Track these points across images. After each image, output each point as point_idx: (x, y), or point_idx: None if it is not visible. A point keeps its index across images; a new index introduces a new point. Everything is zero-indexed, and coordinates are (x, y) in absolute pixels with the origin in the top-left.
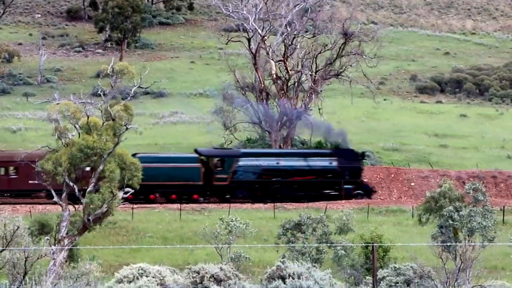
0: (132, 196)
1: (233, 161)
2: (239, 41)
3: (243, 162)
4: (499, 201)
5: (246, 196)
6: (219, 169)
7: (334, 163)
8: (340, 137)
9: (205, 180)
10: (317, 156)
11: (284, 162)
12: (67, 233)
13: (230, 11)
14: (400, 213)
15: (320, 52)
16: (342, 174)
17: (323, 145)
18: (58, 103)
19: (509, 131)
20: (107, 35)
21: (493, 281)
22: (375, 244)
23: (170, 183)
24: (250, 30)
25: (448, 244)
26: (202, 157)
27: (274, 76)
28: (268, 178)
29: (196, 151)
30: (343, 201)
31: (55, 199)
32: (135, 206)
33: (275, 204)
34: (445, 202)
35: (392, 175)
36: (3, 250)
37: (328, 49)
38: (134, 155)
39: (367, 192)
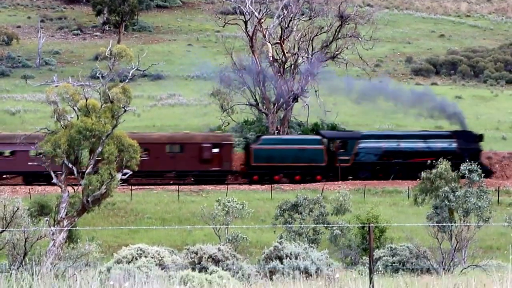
0: (257, 177)
1: (355, 143)
2: (236, 24)
3: (364, 144)
4: (494, 181)
5: (368, 177)
6: (341, 150)
7: (454, 145)
8: (457, 118)
9: (328, 161)
10: (437, 138)
11: (404, 144)
12: (66, 214)
13: None
14: (396, 193)
15: (316, 35)
16: (462, 156)
17: (320, 127)
18: (56, 86)
19: (503, 112)
20: (105, 18)
21: (489, 260)
22: (372, 225)
23: (294, 164)
24: (247, 13)
25: (444, 224)
26: (325, 139)
27: (271, 58)
28: (389, 160)
29: (319, 133)
30: (340, 181)
31: (54, 180)
32: (133, 187)
33: (272, 185)
34: (441, 183)
35: None
36: (3, 231)
37: (324, 32)
38: (259, 136)
39: (486, 173)
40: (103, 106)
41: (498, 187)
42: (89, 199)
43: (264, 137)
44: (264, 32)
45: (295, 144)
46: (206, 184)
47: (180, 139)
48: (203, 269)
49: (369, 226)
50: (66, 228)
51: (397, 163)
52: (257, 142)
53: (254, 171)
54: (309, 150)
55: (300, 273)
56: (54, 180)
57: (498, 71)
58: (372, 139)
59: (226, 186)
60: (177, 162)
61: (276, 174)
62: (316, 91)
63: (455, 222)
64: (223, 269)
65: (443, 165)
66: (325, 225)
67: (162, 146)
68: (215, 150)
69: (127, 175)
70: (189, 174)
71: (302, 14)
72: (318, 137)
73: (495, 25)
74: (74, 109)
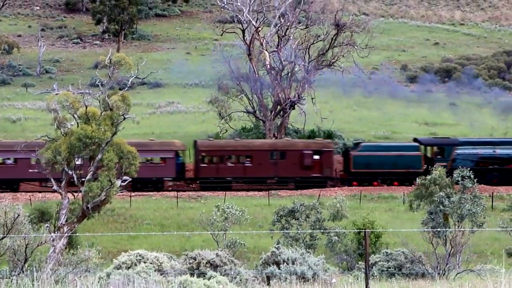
0: (356, 183)
1: (452, 149)
2: (234, 32)
3: (461, 150)
4: (487, 187)
5: None
6: (439, 157)
7: None
8: None
9: (426, 167)
10: None
11: (500, 151)
12: (66, 221)
13: (225, 2)
14: (391, 199)
15: (312, 43)
16: None
17: (316, 134)
18: (57, 94)
19: (497, 119)
20: (104, 27)
21: (483, 265)
22: (367, 230)
23: (392, 170)
24: (244, 22)
25: (439, 229)
26: (422, 146)
27: (268, 66)
28: (485, 166)
29: (416, 139)
30: (336, 188)
31: (54, 187)
32: (132, 194)
33: (269, 191)
34: (435, 189)
35: None
36: (4, 237)
37: (320, 40)
38: (358, 143)
39: None
40: (102, 114)
41: (492, 193)
42: (89, 205)
43: (363, 144)
44: (262, 40)
45: (394, 151)
46: (307, 189)
47: (282, 146)
48: (202, 275)
49: (365, 232)
50: (66, 234)
51: (493, 169)
52: (357, 149)
53: (354, 177)
54: (407, 156)
55: (297, 278)
56: (55, 187)
57: (491, 78)
58: (469, 146)
59: (224, 192)
60: (279, 169)
61: (374, 180)
62: (312, 98)
63: (449, 228)
64: (221, 274)
65: (438, 171)
66: (322, 231)
67: (265, 153)
68: (316, 157)
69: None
70: (290, 180)
71: (299, 23)
72: (415, 143)
73: (488, 33)
74: (74, 116)
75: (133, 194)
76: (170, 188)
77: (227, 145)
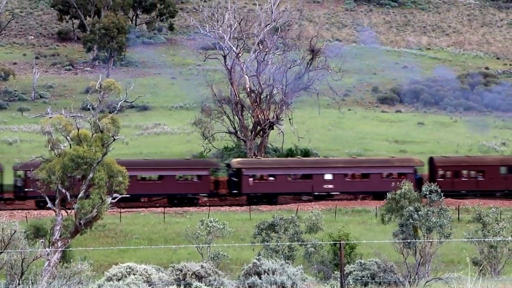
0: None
1: None
2: (216, 58)
3: None
4: (454, 201)
5: None
6: None
7: None
8: None
9: None
10: None
11: None
12: (60, 236)
13: (207, 31)
14: (364, 213)
15: (289, 67)
16: None
17: (294, 152)
18: (50, 117)
19: (462, 136)
20: (94, 54)
21: (450, 274)
22: (342, 242)
23: None
24: (226, 48)
25: (409, 241)
26: None
27: (248, 89)
28: None
29: None
30: (313, 202)
31: (49, 204)
32: (122, 210)
33: (251, 206)
34: (405, 203)
35: None
36: (1, 252)
37: (297, 65)
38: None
39: None
40: (93, 136)
41: (458, 206)
42: (81, 221)
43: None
44: (242, 65)
45: None
46: None
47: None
48: (188, 285)
49: (340, 243)
50: (60, 249)
51: None
52: None
53: None
54: None
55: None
56: (49, 205)
57: (456, 99)
58: None
59: (208, 208)
60: (509, 182)
61: None
62: (290, 119)
63: (419, 239)
64: (206, 285)
65: (406, 186)
66: (300, 243)
67: (495, 168)
68: None
69: (116, 199)
70: None
71: (277, 49)
72: None
73: (453, 57)
74: (67, 138)
75: (122, 210)
76: None
77: (462, 161)
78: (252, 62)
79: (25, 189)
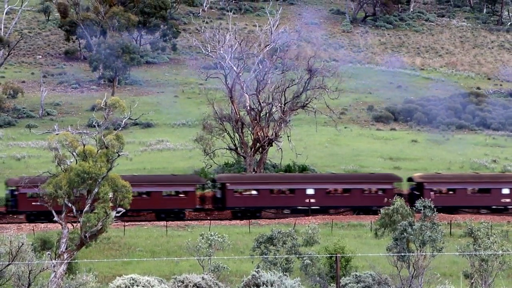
0: None
1: None
2: (217, 77)
3: None
4: (446, 216)
5: None
6: None
7: None
8: None
9: None
10: None
11: None
12: (66, 249)
13: (209, 51)
14: (360, 227)
15: (288, 87)
16: None
17: (292, 168)
18: (57, 134)
19: (454, 154)
20: (100, 73)
21: (443, 286)
22: (338, 255)
23: None
24: (227, 68)
25: (403, 254)
26: None
27: (248, 108)
28: None
29: None
30: (310, 216)
31: (55, 218)
32: (126, 223)
33: (250, 220)
34: (398, 217)
35: None
36: (9, 264)
37: (295, 84)
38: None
39: None
40: (99, 152)
41: (450, 221)
42: (87, 234)
43: None
44: (242, 84)
45: None
46: None
47: None
48: None
49: (336, 256)
50: (66, 261)
51: None
52: None
53: None
54: None
55: None
56: (55, 218)
57: (449, 118)
58: None
59: (209, 222)
60: None
61: None
62: (288, 136)
63: (412, 252)
64: None
65: (399, 201)
66: (297, 256)
67: None
68: None
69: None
70: None
71: (276, 69)
72: None
73: (446, 77)
74: (73, 154)
75: (126, 224)
76: None
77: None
78: (252, 81)
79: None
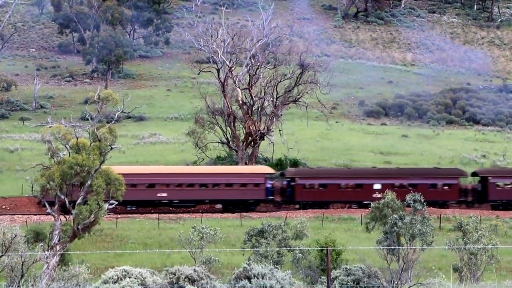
0: None
1: None
2: (210, 71)
3: None
4: (435, 210)
5: None
6: None
7: None
8: None
9: None
10: None
11: None
12: (59, 240)
13: (202, 45)
14: (350, 221)
15: (280, 81)
16: None
17: (283, 162)
18: (50, 127)
19: (444, 149)
20: (93, 67)
21: (431, 279)
22: (329, 248)
23: None
24: (219, 62)
25: (392, 247)
26: None
27: (240, 102)
28: None
29: None
30: (301, 210)
31: (48, 210)
32: (118, 216)
33: (242, 213)
34: (388, 211)
35: None
36: (2, 255)
37: (287, 78)
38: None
39: None
40: (92, 145)
41: (440, 215)
42: (79, 226)
43: None
44: (234, 78)
45: None
46: None
47: None
48: None
49: (327, 249)
50: (59, 253)
51: None
52: None
53: None
54: None
55: None
56: (48, 210)
57: (439, 113)
58: None
59: (201, 214)
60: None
61: None
62: (280, 130)
63: (402, 246)
64: None
65: (389, 195)
66: (288, 249)
67: None
68: None
69: (112, 205)
70: None
71: (268, 63)
72: None
73: (436, 73)
74: (66, 147)
75: (118, 216)
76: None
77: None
78: (244, 76)
79: None
